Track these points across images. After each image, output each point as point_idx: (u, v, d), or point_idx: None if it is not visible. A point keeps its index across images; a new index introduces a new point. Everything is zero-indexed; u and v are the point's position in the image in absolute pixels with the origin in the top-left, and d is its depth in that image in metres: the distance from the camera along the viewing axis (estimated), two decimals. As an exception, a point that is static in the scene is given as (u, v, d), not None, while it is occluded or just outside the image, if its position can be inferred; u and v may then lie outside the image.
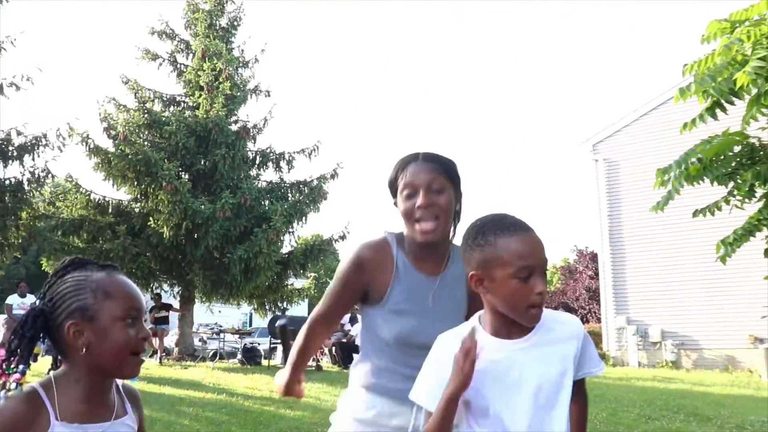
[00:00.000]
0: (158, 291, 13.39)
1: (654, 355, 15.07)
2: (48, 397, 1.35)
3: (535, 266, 1.46)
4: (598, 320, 26.48)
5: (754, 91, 3.80)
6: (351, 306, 2.03)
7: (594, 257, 31.07)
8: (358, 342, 13.07)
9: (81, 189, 12.41)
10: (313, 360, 14.02)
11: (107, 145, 12.12)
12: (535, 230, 1.53)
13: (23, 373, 1.39)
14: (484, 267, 1.49)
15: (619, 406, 8.20)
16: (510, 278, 1.45)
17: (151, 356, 13.04)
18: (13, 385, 1.38)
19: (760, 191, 4.26)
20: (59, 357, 1.44)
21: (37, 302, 1.43)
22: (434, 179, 1.88)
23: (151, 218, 11.67)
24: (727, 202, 4.33)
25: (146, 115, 12.65)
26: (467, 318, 1.82)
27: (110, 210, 12.57)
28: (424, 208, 1.85)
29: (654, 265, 15.31)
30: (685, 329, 14.83)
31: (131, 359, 1.41)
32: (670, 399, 8.80)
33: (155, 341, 12.81)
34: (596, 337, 16.69)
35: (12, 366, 1.39)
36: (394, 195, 1.97)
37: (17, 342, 1.39)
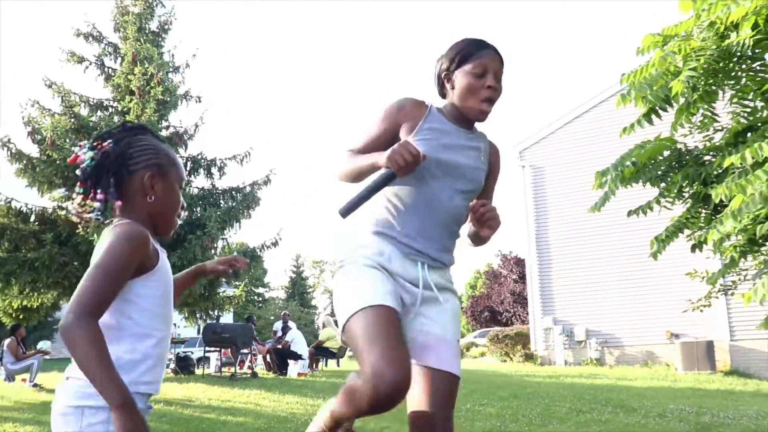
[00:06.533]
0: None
1: (579, 353, 15.71)
2: None
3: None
4: (523, 322, 27.28)
5: (682, 100, 4.15)
6: (380, 146, 2.09)
7: (518, 261, 31.96)
8: (293, 348, 13.16)
9: (0, 196, 11.88)
10: (248, 367, 13.93)
11: (30, 150, 11.68)
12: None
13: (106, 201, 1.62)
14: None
15: (552, 401, 8.55)
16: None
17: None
18: (99, 206, 1.61)
19: (686, 193, 4.62)
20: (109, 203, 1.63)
21: (108, 144, 1.61)
22: (501, 69, 2.12)
23: (79, 226, 11.30)
24: (658, 202, 4.66)
25: (73, 120, 12.24)
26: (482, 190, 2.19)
27: (33, 218, 12.08)
28: (492, 90, 2.09)
29: (578, 267, 15.96)
30: (607, 328, 15.54)
31: (176, 220, 1.70)
32: (597, 393, 9.24)
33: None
34: (524, 337, 17.24)
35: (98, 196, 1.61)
36: (447, 77, 2.17)
37: (98, 169, 1.59)
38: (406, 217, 2.06)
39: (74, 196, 1.63)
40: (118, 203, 1.62)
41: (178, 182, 1.70)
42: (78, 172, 1.60)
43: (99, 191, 1.59)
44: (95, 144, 1.62)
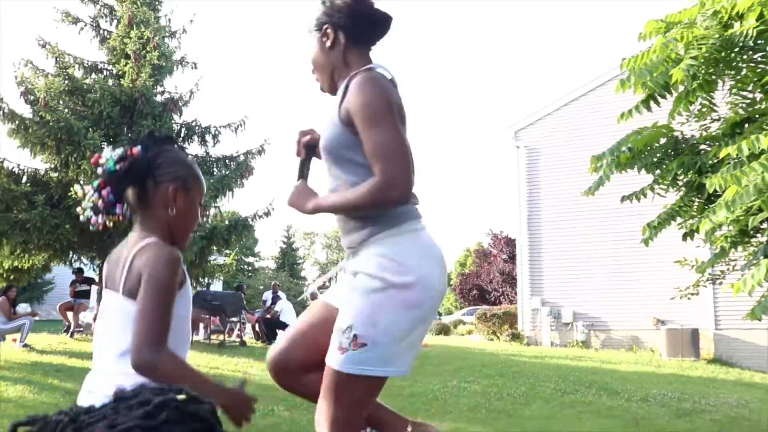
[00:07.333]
0: (79, 265, 12.93)
1: (566, 335, 15.84)
2: None
3: None
4: (511, 302, 27.44)
5: (681, 88, 4.13)
6: None
7: (508, 241, 32.05)
8: (282, 318, 13.20)
9: (-8, 156, 11.76)
10: (237, 336, 13.98)
11: (23, 110, 11.55)
12: None
13: (123, 213, 1.64)
14: None
15: (537, 381, 8.65)
16: None
17: (65, 330, 12.63)
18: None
19: (681, 181, 4.63)
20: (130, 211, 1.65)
21: (138, 149, 1.63)
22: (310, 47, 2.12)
23: (71, 188, 11.23)
24: (652, 189, 4.67)
25: (67, 81, 12.09)
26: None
27: (25, 179, 12.00)
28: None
29: (568, 250, 16.01)
30: (594, 311, 15.65)
31: (191, 235, 1.75)
32: (582, 375, 9.35)
33: (70, 315, 12.42)
34: (512, 317, 17.36)
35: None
36: None
37: (126, 176, 1.60)
38: None
39: (89, 191, 1.63)
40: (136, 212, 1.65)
41: (200, 198, 1.73)
42: (100, 171, 1.61)
43: (117, 201, 1.62)
44: (125, 149, 1.64)
